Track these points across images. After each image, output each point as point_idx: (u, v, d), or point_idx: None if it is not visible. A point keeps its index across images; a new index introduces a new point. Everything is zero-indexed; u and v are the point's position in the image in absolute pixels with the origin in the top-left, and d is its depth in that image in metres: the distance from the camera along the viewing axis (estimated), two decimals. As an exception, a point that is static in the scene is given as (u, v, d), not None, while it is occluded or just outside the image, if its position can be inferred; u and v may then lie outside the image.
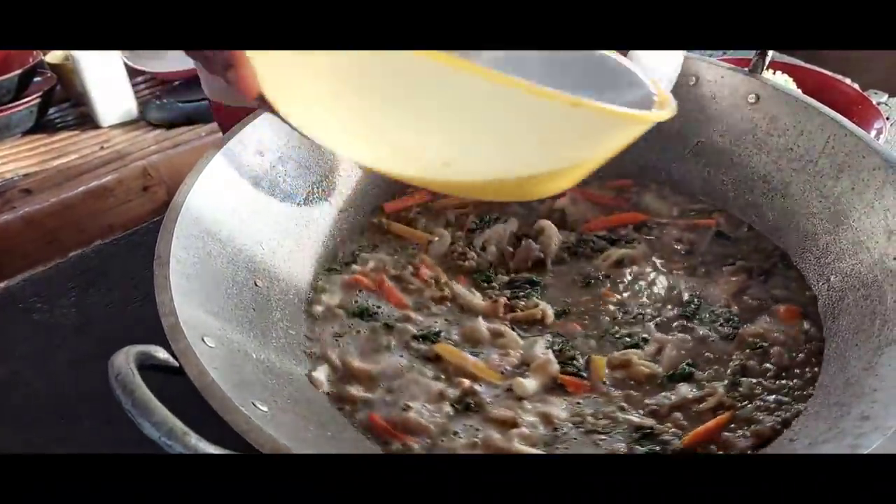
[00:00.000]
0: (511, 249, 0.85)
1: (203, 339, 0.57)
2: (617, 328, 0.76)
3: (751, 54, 0.92)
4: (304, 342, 0.73)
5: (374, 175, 0.90)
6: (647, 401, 0.68)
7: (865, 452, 0.50)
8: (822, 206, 0.81)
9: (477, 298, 0.79)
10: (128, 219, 1.50)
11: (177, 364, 0.52)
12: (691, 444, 0.64)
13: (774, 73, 1.11)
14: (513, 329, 0.75)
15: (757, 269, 0.82)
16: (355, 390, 0.68)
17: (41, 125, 1.65)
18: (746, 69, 0.90)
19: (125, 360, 0.45)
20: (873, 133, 1.01)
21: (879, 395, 0.56)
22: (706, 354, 0.73)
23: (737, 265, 0.83)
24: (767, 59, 0.90)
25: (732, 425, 0.65)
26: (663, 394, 0.69)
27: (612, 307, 0.79)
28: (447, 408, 0.67)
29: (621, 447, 0.63)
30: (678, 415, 0.66)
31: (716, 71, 0.92)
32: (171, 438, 0.41)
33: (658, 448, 0.63)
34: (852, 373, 0.64)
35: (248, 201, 0.77)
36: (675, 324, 0.76)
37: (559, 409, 0.67)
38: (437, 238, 0.87)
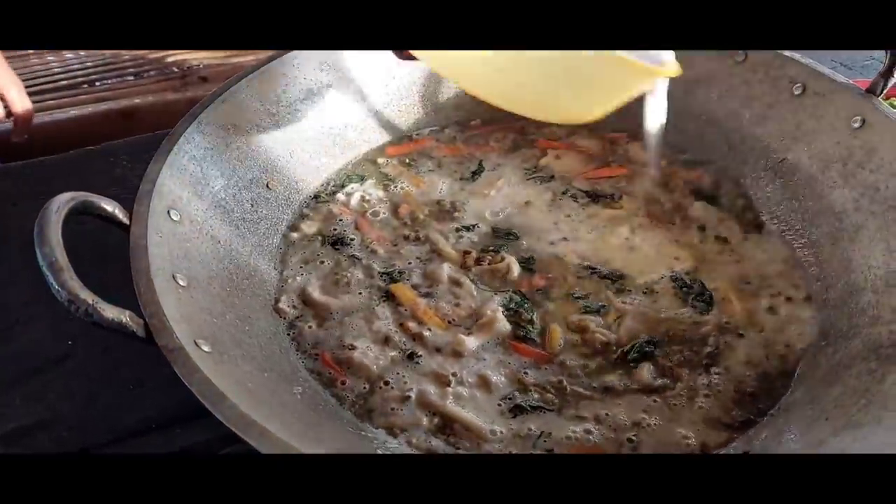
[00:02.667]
0: None
1: (168, 212, 0.63)
2: (579, 290, 0.74)
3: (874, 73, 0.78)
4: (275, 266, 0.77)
5: (390, 118, 0.95)
6: (604, 378, 0.66)
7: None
8: (884, 261, 0.68)
9: (448, 245, 0.78)
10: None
11: (126, 221, 0.58)
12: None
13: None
14: (473, 282, 0.74)
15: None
16: (309, 327, 0.71)
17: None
18: (862, 89, 0.77)
19: (56, 206, 0.51)
20: None
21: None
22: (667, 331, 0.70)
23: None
24: (891, 82, 0.76)
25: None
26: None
27: (582, 267, 0.77)
28: (392, 353, 0.68)
29: (562, 425, 0.62)
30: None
31: (826, 83, 0.80)
32: (51, 270, 0.48)
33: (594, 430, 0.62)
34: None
35: (292, 113, 0.83)
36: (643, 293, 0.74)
37: (499, 374, 0.66)
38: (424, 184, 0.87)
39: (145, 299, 0.52)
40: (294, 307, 0.72)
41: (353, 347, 0.68)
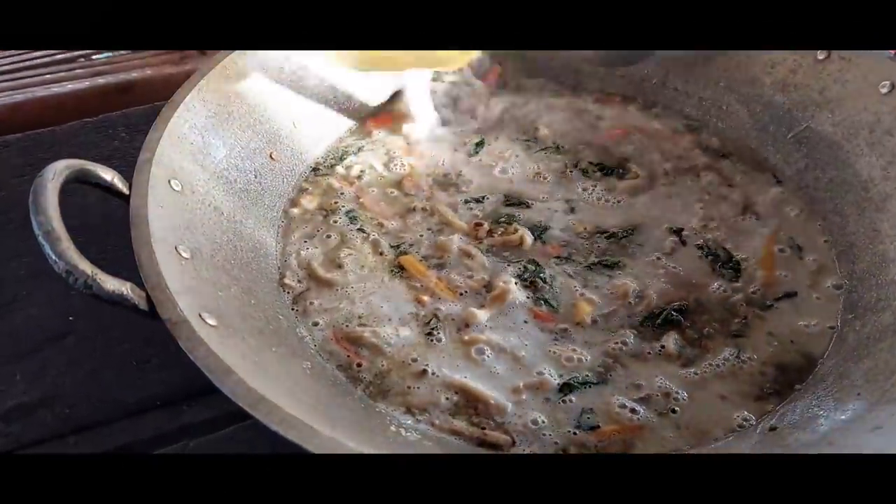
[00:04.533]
0: None
1: (170, 182, 0.61)
2: (595, 257, 0.72)
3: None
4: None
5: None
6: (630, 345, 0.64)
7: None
8: (915, 231, 0.66)
9: (457, 217, 0.76)
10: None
11: (126, 191, 0.56)
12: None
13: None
14: (485, 253, 0.72)
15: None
16: (316, 303, 0.68)
17: None
18: (891, 52, 0.74)
19: (52, 174, 0.49)
20: None
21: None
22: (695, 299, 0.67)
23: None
24: (922, 45, 0.73)
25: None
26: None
27: (598, 234, 0.75)
28: (405, 330, 0.65)
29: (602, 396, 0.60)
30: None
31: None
32: (47, 240, 0.45)
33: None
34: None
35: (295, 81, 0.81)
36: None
37: (525, 348, 0.63)
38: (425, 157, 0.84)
39: (147, 271, 0.50)
40: (300, 282, 0.69)
41: (364, 324, 0.65)
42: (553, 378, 0.61)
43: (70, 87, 1.19)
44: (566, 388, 0.60)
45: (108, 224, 0.69)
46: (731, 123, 0.86)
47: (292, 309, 0.67)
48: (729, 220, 0.76)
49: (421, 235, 0.75)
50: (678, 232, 0.74)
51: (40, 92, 1.14)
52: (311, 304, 0.68)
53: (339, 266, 0.71)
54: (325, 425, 0.43)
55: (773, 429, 0.54)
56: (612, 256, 0.72)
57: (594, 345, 0.64)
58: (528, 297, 0.67)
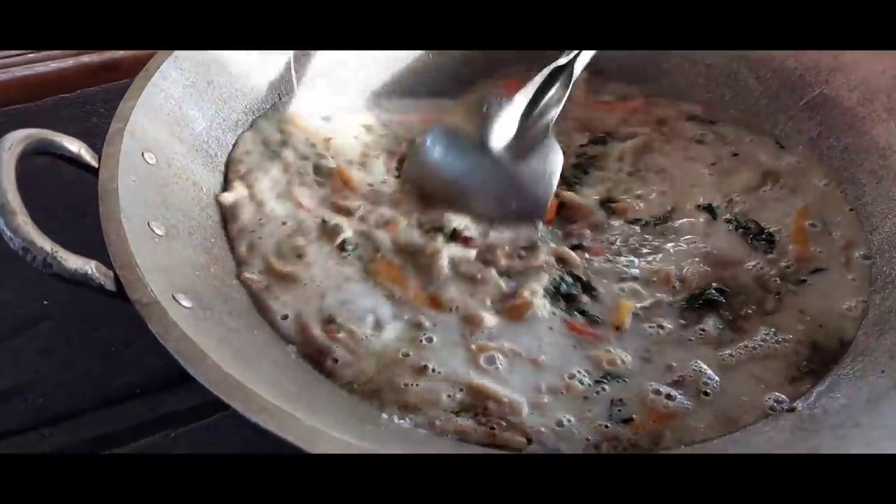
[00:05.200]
0: None
1: (143, 154, 0.57)
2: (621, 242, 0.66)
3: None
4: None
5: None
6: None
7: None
8: (937, 201, 0.62)
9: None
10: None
11: (94, 164, 0.52)
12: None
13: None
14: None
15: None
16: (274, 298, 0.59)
17: None
18: (910, 9, 0.69)
19: (8, 143, 0.45)
20: None
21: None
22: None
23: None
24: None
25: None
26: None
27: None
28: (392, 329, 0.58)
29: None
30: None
31: (868, 6, 0.72)
32: (1, 214, 0.41)
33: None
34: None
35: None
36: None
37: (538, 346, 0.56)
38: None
39: (115, 248, 0.46)
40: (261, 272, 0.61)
41: (333, 322, 0.57)
42: (584, 378, 0.54)
43: (54, 65, 1.14)
44: (597, 384, 0.54)
45: (87, 203, 0.65)
46: (738, 92, 0.82)
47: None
48: (751, 189, 0.72)
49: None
50: (708, 209, 0.70)
51: (23, 71, 1.10)
52: (272, 301, 0.59)
53: (300, 256, 0.62)
54: (309, 414, 0.40)
55: (792, 410, 0.51)
56: (641, 241, 0.67)
57: (633, 344, 0.57)
58: (559, 311, 0.60)
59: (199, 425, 0.58)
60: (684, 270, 0.63)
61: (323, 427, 0.38)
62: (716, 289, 0.61)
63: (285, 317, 0.57)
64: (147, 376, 0.61)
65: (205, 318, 0.47)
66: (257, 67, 0.74)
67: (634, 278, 0.63)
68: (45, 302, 0.67)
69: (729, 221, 0.68)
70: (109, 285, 0.44)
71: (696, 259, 0.64)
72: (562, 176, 0.68)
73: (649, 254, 0.65)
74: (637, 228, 0.68)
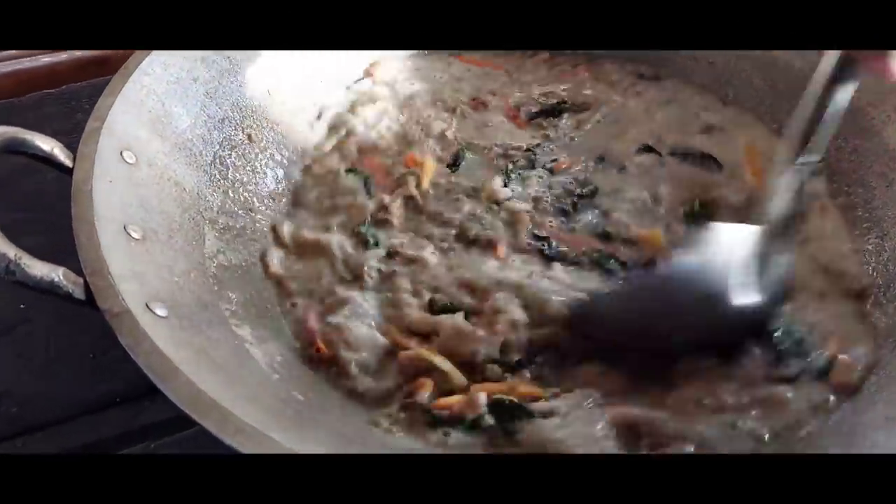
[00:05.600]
0: None
1: (121, 154, 0.54)
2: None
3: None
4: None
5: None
6: None
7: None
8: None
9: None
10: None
11: (69, 164, 0.49)
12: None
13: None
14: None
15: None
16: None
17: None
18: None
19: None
20: None
21: None
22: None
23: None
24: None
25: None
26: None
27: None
28: None
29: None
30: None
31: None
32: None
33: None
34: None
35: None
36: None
37: None
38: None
39: (86, 254, 0.43)
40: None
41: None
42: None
43: (45, 59, 1.12)
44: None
45: (67, 205, 0.62)
46: (744, 93, 0.80)
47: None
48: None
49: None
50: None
51: (14, 66, 1.07)
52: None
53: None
54: (292, 435, 0.37)
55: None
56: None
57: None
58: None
59: (182, 436, 0.56)
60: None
61: (304, 448, 0.35)
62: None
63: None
64: (127, 384, 0.59)
65: (181, 327, 0.44)
66: (246, 62, 0.71)
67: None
68: (22, 306, 0.64)
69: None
70: (79, 293, 0.41)
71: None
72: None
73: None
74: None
